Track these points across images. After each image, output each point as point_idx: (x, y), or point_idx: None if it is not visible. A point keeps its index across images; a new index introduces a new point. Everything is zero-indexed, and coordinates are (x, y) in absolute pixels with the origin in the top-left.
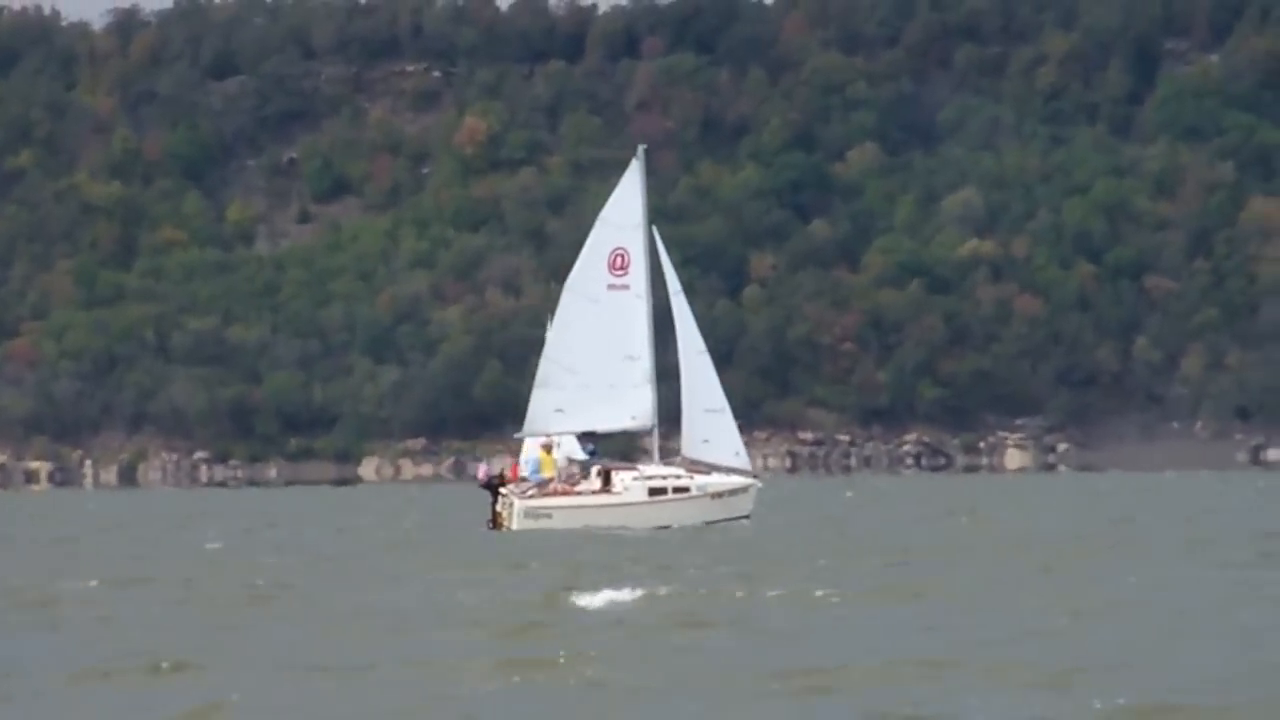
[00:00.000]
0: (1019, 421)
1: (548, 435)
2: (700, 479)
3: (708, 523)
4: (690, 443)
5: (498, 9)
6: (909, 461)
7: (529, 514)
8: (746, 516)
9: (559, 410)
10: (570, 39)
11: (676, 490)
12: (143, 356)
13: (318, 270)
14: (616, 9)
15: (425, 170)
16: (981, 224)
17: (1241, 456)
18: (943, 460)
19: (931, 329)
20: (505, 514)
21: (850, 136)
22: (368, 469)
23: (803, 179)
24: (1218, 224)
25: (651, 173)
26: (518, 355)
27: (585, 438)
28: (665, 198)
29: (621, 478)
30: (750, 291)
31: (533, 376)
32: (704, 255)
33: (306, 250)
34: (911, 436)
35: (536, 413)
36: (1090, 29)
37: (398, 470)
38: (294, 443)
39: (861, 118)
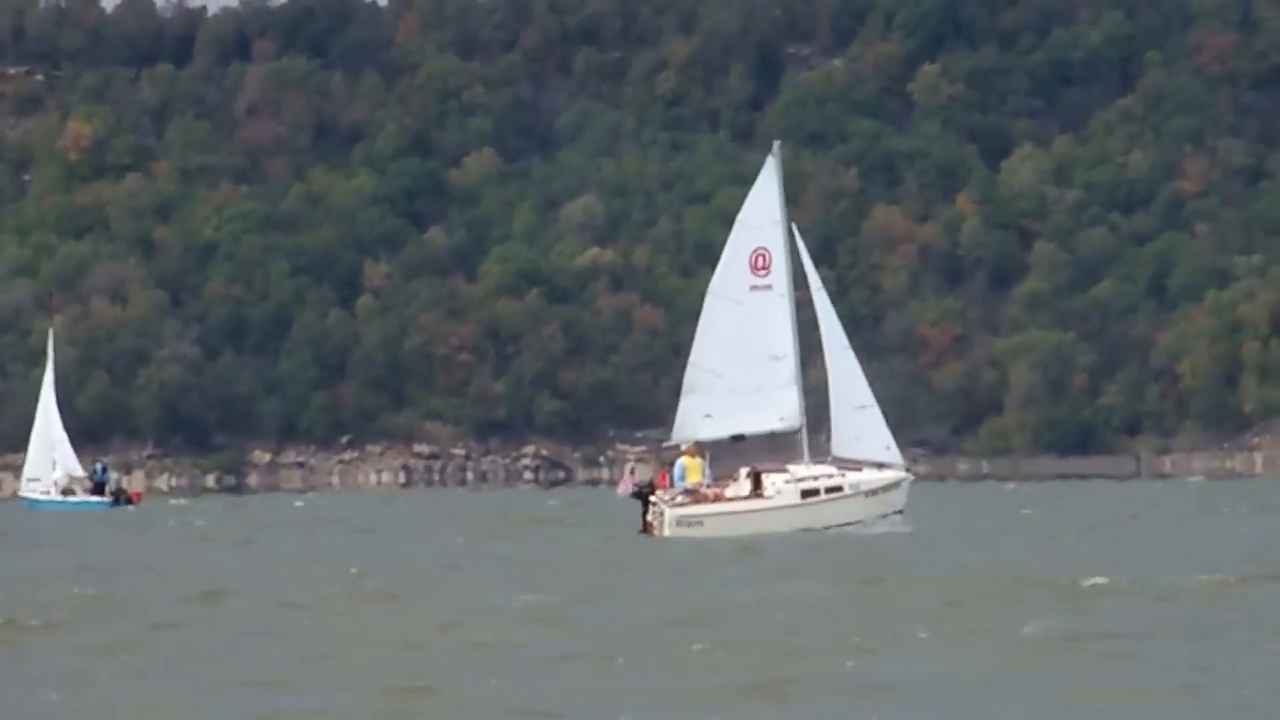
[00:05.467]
0: (640, 434)
1: (696, 441)
2: (853, 476)
3: (862, 521)
4: (841, 441)
5: (103, 10)
6: (527, 475)
7: (680, 522)
8: (900, 511)
9: (708, 416)
10: (178, 41)
11: (829, 491)
12: None
13: None
14: (227, 11)
15: (27, 176)
16: (601, 232)
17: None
18: (563, 474)
19: (550, 340)
20: (656, 522)
21: (467, 142)
22: None
23: (418, 186)
24: (841, 232)
25: (261, 180)
26: (125, 367)
27: (97, 459)
28: (276, 205)
29: (773, 480)
30: (364, 301)
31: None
32: (316, 264)
33: None
34: (530, 449)
35: (685, 419)
36: (711, 33)
37: None
38: None
39: (478, 123)
